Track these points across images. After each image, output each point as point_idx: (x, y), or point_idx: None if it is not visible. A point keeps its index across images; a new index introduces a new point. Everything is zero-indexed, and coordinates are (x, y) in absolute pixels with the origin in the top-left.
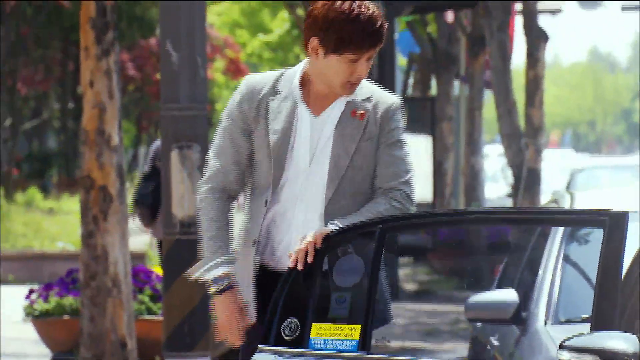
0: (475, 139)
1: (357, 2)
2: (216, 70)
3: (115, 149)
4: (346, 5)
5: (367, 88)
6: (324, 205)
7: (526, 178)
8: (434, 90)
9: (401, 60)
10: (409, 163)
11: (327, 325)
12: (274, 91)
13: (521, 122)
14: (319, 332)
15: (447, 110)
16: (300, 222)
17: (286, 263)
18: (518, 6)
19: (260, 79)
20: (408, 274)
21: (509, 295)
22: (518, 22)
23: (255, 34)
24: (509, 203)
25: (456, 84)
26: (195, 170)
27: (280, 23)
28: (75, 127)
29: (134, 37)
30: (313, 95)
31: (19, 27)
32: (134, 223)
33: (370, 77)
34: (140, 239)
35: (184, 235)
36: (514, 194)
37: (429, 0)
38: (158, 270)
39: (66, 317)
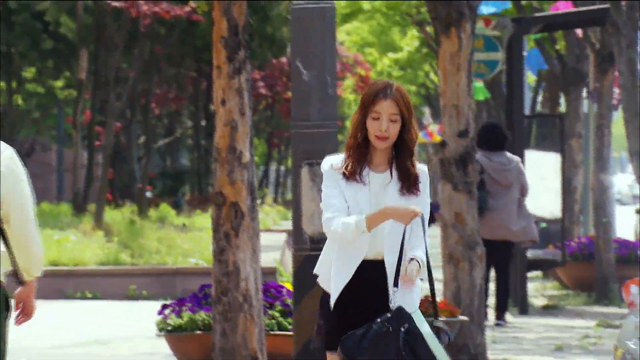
0: (604, 155)
1: None
2: (346, 88)
3: (247, 165)
4: None
5: None
6: None
7: None
8: (563, 107)
9: (530, 78)
10: None
11: None
12: None
13: None
14: None
15: (576, 127)
16: None
17: None
18: None
19: None
20: (537, 289)
21: None
22: None
23: (385, 52)
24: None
25: (585, 101)
26: None
27: (409, 41)
28: (207, 145)
29: (265, 56)
30: None
31: (152, 47)
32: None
33: (499, 94)
34: (271, 254)
35: (313, 251)
36: None
37: (558, 18)
38: (288, 286)
39: (198, 332)
